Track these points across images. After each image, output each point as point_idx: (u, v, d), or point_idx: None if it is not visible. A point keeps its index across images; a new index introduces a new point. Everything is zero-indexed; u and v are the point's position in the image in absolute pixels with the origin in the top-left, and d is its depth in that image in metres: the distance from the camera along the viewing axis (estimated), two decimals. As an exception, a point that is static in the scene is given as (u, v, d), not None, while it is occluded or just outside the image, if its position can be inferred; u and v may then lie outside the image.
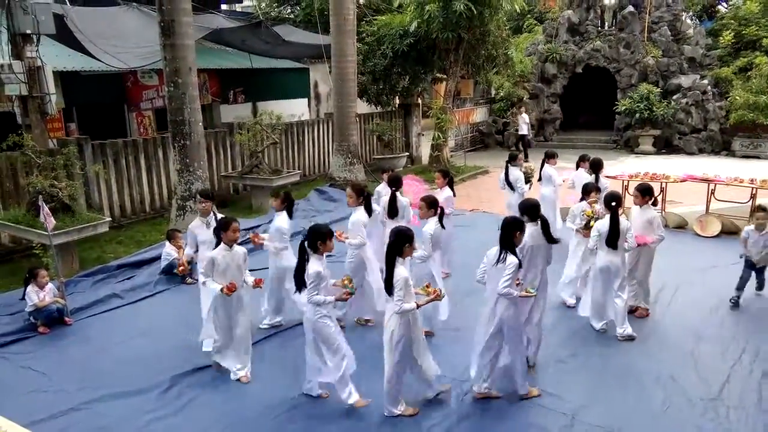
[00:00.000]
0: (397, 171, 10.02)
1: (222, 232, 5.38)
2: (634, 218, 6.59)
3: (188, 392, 5.39)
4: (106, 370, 5.81)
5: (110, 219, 9.20)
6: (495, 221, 9.50)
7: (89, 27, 11.48)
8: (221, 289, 5.23)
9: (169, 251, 8.29)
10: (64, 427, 4.84)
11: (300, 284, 4.85)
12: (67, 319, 6.89)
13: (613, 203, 6.03)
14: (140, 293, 7.81)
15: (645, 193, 6.61)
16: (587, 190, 7.07)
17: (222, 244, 5.39)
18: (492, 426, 4.82)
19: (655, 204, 6.86)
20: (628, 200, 7.41)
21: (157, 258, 8.49)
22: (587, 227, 6.65)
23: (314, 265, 4.79)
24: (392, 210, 7.16)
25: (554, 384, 5.39)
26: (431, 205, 6.13)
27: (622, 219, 6.11)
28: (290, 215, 6.58)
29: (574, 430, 4.74)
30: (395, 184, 7.33)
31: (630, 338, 6.23)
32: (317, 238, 4.86)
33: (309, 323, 4.91)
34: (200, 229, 6.22)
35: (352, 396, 4.92)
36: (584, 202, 7.04)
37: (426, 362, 4.91)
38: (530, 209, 5.37)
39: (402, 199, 7.30)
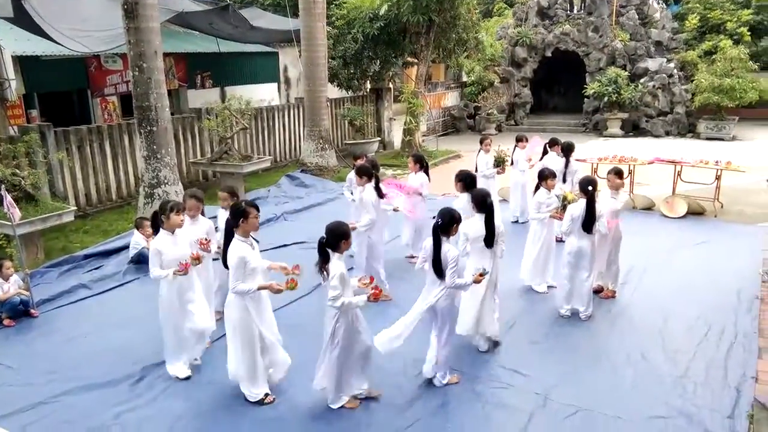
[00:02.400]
0: (370, 156, 9.98)
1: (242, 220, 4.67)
2: (606, 203, 6.63)
3: (160, 383, 5.31)
4: (75, 362, 5.69)
5: (75, 208, 9.01)
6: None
7: (49, 10, 11.10)
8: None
9: (137, 240, 8.13)
10: (32, 420, 4.73)
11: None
12: (32, 311, 6.72)
13: (589, 187, 6.06)
14: (109, 283, 7.65)
15: (618, 175, 6.68)
16: (543, 176, 7.09)
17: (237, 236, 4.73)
18: (465, 409, 4.85)
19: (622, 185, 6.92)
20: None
21: (126, 247, 8.33)
22: (564, 209, 6.67)
23: (338, 266, 4.46)
24: (379, 191, 7.08)
25: (527, 365, 5.46)
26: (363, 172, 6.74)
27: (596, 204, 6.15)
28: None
29: (546, 410, 4.81)
30: (374, 168, 7.27)
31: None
32: (341, 238, 4.51)
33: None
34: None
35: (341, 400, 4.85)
36: (549, 188, 7.06)
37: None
38: (479, 200, 5.41)
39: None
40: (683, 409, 4.77)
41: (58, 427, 4.66)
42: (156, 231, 5.27)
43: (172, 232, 5.17)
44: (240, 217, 4.62)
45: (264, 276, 4.83)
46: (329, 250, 4.50)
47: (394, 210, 7.35)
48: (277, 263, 4.99)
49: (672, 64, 19.71)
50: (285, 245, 8.90)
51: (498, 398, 4.98)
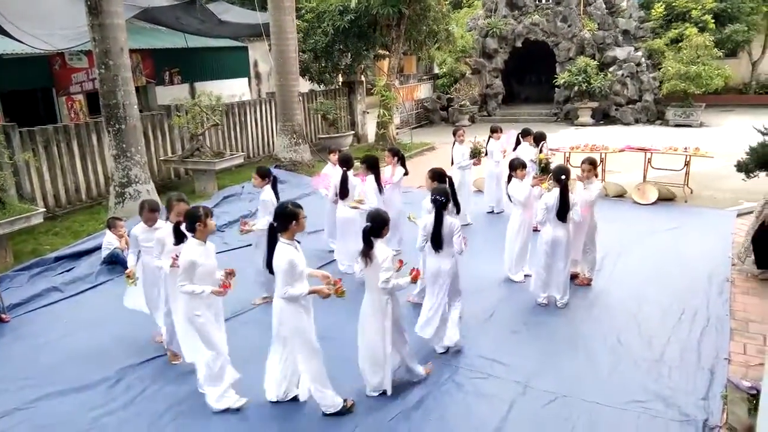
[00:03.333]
0: (345, 150, 9.93)
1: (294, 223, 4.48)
2: (579, 192, 6.71)
3: (137, 384, 5.23)
4: (50, 366, 5.57)
5: (44, 209, 8.78)
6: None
7: (9, 7, 10.76)
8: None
9: (110, 240, 7.98)
10: (7, 427, 4.63)
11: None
12: (3, 315, 6.56)
13: (563, 176, 6.12)
14: (81, 285, 7.51)
15: (591, 164, 6.74)
16: (514, 167, 7.14)
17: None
18: (446, 400, 4.88)
19: (596, 175, 6.99)
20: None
21: (98, 248, 8.16)
22: (543, 171, 6.71)
23: (385, 250, 4.63)
24: (344, 190, 7.10)
25: (506, 354, 5.51)
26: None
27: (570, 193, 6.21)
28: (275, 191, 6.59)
29: (526, 398, 4.86)
30: (346, 164, 7.27)
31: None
32: (383, 225, 4.65)
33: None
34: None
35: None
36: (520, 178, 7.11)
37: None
38: (443, 194, 5.35)
39: (353, 179, 7.25)
40: (659, 392, 4.86)
41: (34, 434, 4.55)
42: (179, 240, 4.81)
43: (204, 241, 4.73)
44: (291, 220, 4.40)
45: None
46: (372, 237, 4.59)
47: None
48: (318, 271, 4.82)
49: (640, 53, 19.98)
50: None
51: (478, 388, 5.02)
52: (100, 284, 7.59)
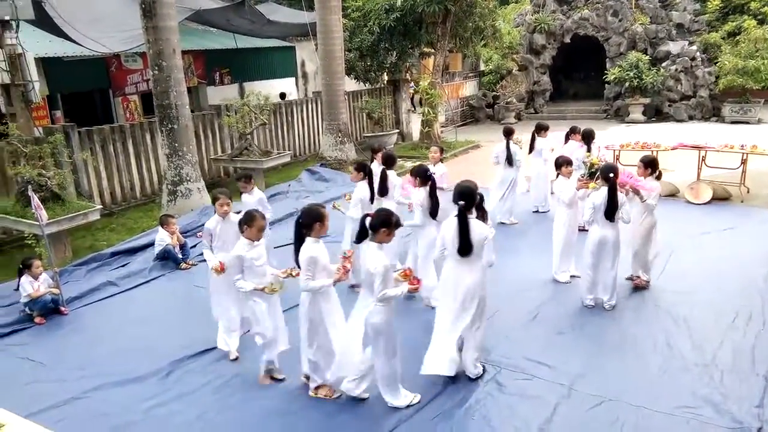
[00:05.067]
0: (389, 148, 9.97)
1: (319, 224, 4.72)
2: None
3: (187, 377, 5.41)
4: (105, 358, 5.82)
5: (101, 206, 9.16)
6: (487, 195, 9.52)
7: (69, 11, 11.27)
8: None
9: (162, 237, 8.24)
10: (65, 416, 4.85)
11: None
12: (62, 308, 6.88)
13: (611, 174, 5.96)
14: (135, 280, 7.79)
15: (649, 165, 6.57)
16: (559, 165, 7.02)
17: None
18: (489, 401, 4.86)
19: (659, 177, 6.77)
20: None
21: (151, 244, 8.45)
22: (591, 176, 6.60)
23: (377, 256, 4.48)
24: (383, 188, 7.13)
25: (551, 356, 5.44)
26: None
27: (619, 192, 6.06)
28: (371, 186, 6.79)
29: (571, 400, 4.80)
30: (388, 162, 7.29)
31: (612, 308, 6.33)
32: (385, 225, 4.50)
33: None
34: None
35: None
36: (566, 176, 7.00)
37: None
38: (467, 196, 4.83)
39: (393, 178, 7.25)
40: (710, 398, 4.72)
41: (90, 422, 4.77)
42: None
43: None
44: (317, 221, 4.60)
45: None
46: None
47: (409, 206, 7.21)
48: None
49: (694, 47, 19.33)
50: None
51: (522, 389, 4.98)
52: (153, 279, 7.86)
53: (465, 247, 4.78)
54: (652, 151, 10.27)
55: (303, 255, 4.55)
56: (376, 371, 4.75)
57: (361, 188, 6.87)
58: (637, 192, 6.35)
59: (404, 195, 7.03)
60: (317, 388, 4.97)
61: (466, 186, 4.88)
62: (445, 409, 4.75)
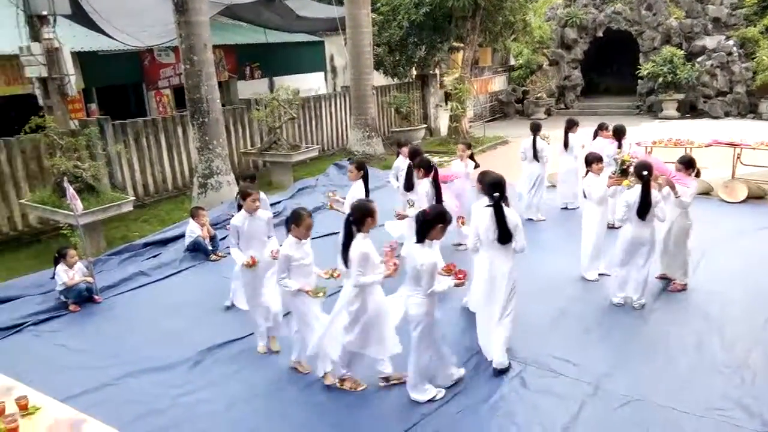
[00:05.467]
0: (415, 143, 9.96)
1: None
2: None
3: (215, 366, 5.51)
4: (136, 346, 5.96)
5: (134, 198, 9.37)
6: (514, 192, 9.45)
7: (104, 6, 11.46)
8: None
9: (192, 229, 8.38)
10: (98, 401, 4.98)
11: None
12: (96, 297, 7.06)
13: (645, 172, 5.84)
14: (166, 270, 7.94)
15: (688, 165, 6.42)
16: (589, 161, 6.93)
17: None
18: (515, 398, 4.86)
19: (697, 175, 6.62)
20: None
21: (182, 236, 8.60)
22: (623, 173, 6.49)
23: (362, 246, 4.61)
24: (409, 183, 7.14)
25: (578, 354, 5.39)
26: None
27: (654, 190, 5.95)
28: (366, 185, 6.90)
29: (597, 399, 4.75)
30: (414, 156, 7.30)
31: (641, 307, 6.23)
32: (440, 221, 4.54)
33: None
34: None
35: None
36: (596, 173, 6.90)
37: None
38: (500, 187, 4.95)
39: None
40: (741, 400, 4.63)
41: (121, 408, 4.89)
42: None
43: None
44: (368, 216, 4.63)
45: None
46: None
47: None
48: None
49: (731, 42, 18.84)
50: (334, 233, 8.99)
51: (548, 387, 4.95)
52: (183, 270, 8.01)
53: (505, 235, 4.92)
54: (686, 149, 10.09)
55: (355, 251, 4.54)
56: (409, 362, 4.77)
57: (357, 187, 6.91)
58: (672, 187, 6.22)
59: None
60: (343, 380, 5.02)
61: (497, 177, 5.08)
62: (469, 404, 4.75)
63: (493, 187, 4.94)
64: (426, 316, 4.59)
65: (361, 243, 4.58)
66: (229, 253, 5.95)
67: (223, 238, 8.57)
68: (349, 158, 13.68)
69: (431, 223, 4.50)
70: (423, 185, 6.80)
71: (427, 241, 4.53)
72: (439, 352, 4.81)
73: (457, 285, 4.66)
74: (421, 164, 6.83)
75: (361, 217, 4.61)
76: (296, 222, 4.83)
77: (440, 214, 4.57)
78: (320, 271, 5.03)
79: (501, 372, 5.12)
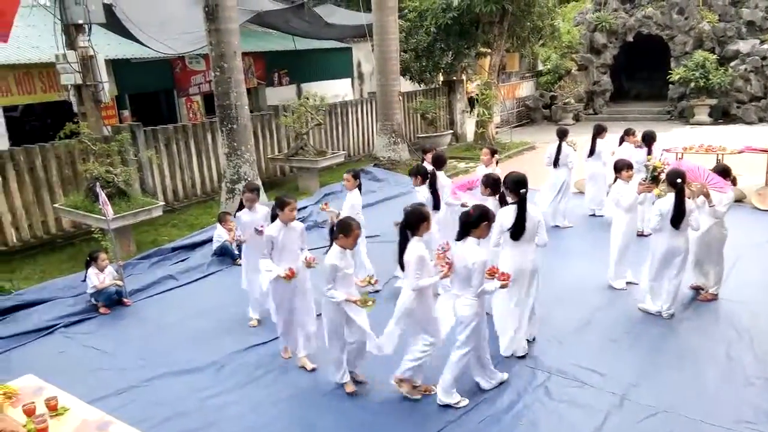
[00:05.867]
0: (440, 149, 9.95)
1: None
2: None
3: (242, 370, 5.57)
4: (164, 348, 6.06)
5: (164, 203, 9.52)
6: (534, 197, 9.38)
7: (137, 15, 11.73)
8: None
9: (220, 233, 8.51)
10: (125, 403, 5.08)
11: None
12: (125, 300, 7.20)
13: (678, 180, 5.73)
14: (194, 275, 8.07)
15: (723, 175, 6.28)
16: (618, 168, 6.82)
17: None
18: (538, 407, 4.81)
19: (734, 184, 6.47)
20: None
21: (209, 240, 8.73)
22: (654, 180, 6.39)
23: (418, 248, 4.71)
24: (433, 190, 7.12)
25: (604, 364, 5.32)
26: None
27: (688, 199, 5.84)
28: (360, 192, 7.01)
29: (623, 410, 4.68)
30: (438, 163, 7.29)
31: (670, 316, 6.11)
32: (485, 219, 4.69)
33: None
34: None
35: None
36: (626, 179, 6.80)
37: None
38: (525, 184, 5.33)
39: (443, 179, 7.23)
40: (773, 414, 4.52)
41: (149, 409, 4.98)
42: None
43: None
44: (423, 221, 4.73)
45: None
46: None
47: (462, 206, 7.20)
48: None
49: (766, 46, 18.41)
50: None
51: (572, 397, 4.89)
52: (211, 274, 8.13)
53: (518, 232, 5.26)
54: (718, 155, 9.90)
55: (412, 255, 4.62)
56: (448, 364, 4.82)
57: (354, 196, 6.93)
58: (707, 195, 6.09)
59: (455, 198, 7.03)
60: (403, 381, 5.00)
61: (520, 175, 5.43)
62: (492, 413, 4.72)
63: (518, 184, 5.31)
64: (475, 316, 4.68)
65: (416, 247, 4.67)
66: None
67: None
68: (375, 164, 13.74)
69: (476, 221, 4.63)
70: (422, 192, 6.88)
71: (473, 239, 4.64)
72: (483, 352, 4.92)
73: (502, 287, 4.72)
74: (418, 171, 6.95)
75: (416, 222, 4.71)
76: (345, 232, 4.77)
77: (484, 213, 4.69)
78: (357, 280, 5.04)
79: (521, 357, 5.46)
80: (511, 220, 5.27)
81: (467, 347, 4.74)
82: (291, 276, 5.17)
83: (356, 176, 7.05)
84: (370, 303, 4.75)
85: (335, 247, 4.82)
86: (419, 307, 4.78)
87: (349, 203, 6.86)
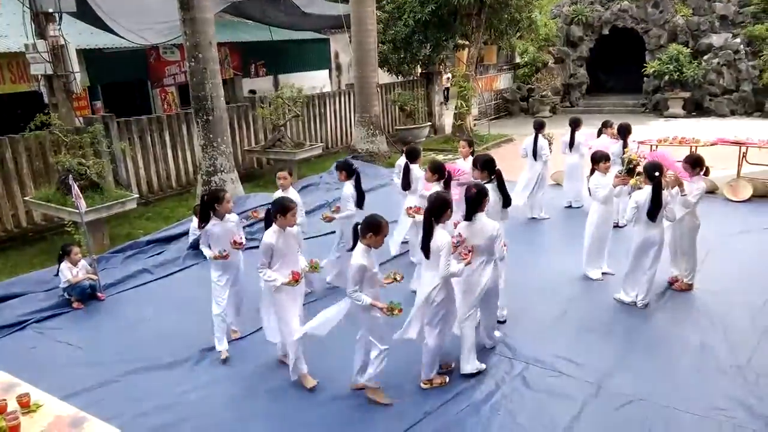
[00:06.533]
0: (415, 143, 9.93)
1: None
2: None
3: (218, 365, 5.52)
4: (139, 343, 5.97)
5: (138, 195, 9.36)
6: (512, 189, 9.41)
7: (109, 4, 11.49)
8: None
9: (196, 226, 8.36)
10: (99, 398, 5.00)
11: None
12: (99, 294, 7.08)
13: (656, 173, 5.79)
14: (170, 268, 7.96)
15: (695, 164, 6.34)
16: (596, 159, 6.89)
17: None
18: (516, 397, 4.85)
19: (706, 174, 6.56)
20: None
21: (185, 233, 8.62)
22: (629, 173, 6.45)
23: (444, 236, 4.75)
24: (406, 182, 7.13)
25: (580, 353, 5.38)
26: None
27: (664, 191, 5.90)
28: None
29: (599, 399, 4.74)
30: (411, 156, 7.26)
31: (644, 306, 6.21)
32: (485, 194, 4.95)
33: None
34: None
35: None
36: (603, 171, 6.86)
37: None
38: (487, 164, 5.74)
39: (416, 172, 7.20)
40: (744, 400, 4.61)
41: (123, 405, 4.90)
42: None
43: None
44: (446, 209, 4.71)
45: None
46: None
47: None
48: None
49: (738, 40, 18.72)
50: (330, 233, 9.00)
51: (549, 386, 4.94)
52: (187, 267, 8.02)
53: (507, 201, 5.78)
54: (691, 147, 10.04)
55: (442, 241, 4.60)
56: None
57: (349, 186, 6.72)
58: (680, 185, 6.17)
59: (427, 189, 7.02)
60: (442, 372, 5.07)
61: (488, 156, 5.92)
62: (470, 403, 4.75)
63: (488, 164, 5.76)
64: (492, 282, 5.03)
65: (442, 234, 4.66)
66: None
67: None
68: (354, 156, 13.68)
69: (479, 198, 4.88)
70: (347, 187, 6.69)
71: (481, 213, 4.95)
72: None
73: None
74: (434, 169, 6.60)
75: (440, 209, 4.68)
76: (375, 230, 4.51)
77: (483, 189, 4.99)
78: (380, 279, 4.77)
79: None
80: (494, 197, 5.53)
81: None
82: (297, 279, 4.87)
83: (345, 169, 6.87)
84: (396, 312, 4.50)
85: (360, 245, 4.56)
86: (447, 295, 4.80)
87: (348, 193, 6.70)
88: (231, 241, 5.43)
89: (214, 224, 5.48)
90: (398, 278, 4.77)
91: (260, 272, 4.90)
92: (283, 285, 4.84)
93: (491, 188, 5.50)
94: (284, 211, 4.89)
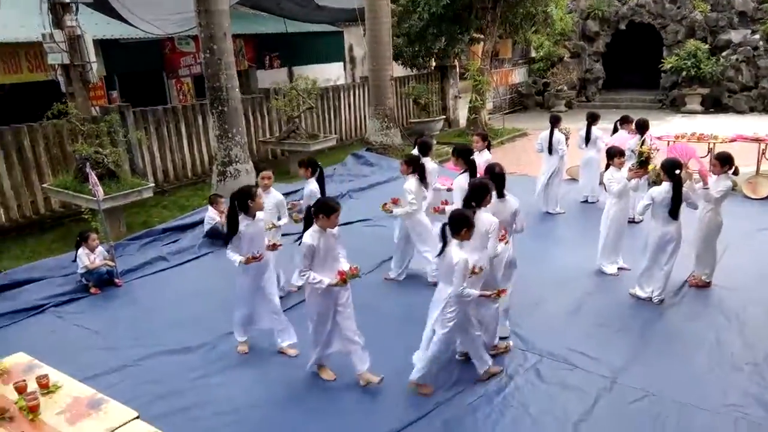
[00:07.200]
0: (431, 135, 9.89)
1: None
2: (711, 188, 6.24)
3: (232, 351, 5.56)
4: (155, 329, 6.04)
5: (154, 184, 9.45)
6: (533, 184, 9.39)
7: (126, -6, 11.56)
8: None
9: (211, 215, 8.45)
10: (117, 381, 5.07)
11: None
12: (116, 280, 7.16)
13: (676, 171, 5.72)
14: (185, 256, 8.04)
15: (725, 162, 6.24)
16: (611, 155, 6.84)
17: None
18: (529, 389, 4.85)
19: (735, 173, 6.47)
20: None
21: (201, 222, 8.68)
22: (641, 165, 6.40)
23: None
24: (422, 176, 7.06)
25: (594, 347, 5.36)
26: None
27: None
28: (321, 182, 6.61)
29: (613, 393, 4.73)
30: (423, 149, 7.22)
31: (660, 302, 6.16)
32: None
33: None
34: None
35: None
36: (618, 167, 6.82)
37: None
38: (463, 153, 6.10)
39: (430, 165, 7.11)
40: (761, 397, 4.58)
41: (139, 388, 4.97)
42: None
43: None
44: (486, 193, 4.86)
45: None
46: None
47: (448, 189, 6.96)
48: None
49: (757, 36, 18.46)
50: (350, 222, 9.03)
51: (563, 379, 4.94)
52: (202, 255, 8.10)
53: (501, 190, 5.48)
54: (709, 143, 9.95)
55: (489, 223, 4.77)
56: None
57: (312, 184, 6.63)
58: (704, 178, 6.11)
59: (442, 183, 7.02)
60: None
61: (467, 145, 6.27)
62: (483, 394, 4.75)
63: (464, 153, 6.12)
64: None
65: (488, 216, 4.84)
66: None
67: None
68: (368, 148, 13.69)
69: (481, 192, 4.84)
70: (410, 182, 6.53)
71: (483, 208, 4.88)
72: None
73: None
74: (460, 153, 6.43)
75: (480, 193, 4.82)
76: (326, 212, 4.55)
77: (485, 183, 5.01)
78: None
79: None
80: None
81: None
82: (343, 279, 4.63)
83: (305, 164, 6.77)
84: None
85: (454, 242, 4.48)
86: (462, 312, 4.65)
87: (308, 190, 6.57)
88: (265, 241, 5.29)
89: (247, 224, 5.11)
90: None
91: (303, 275, 4.68)
92: (330, 286, 4.61)
93: (464, 178, 5.73)
94: (328, 212, 4.61)
